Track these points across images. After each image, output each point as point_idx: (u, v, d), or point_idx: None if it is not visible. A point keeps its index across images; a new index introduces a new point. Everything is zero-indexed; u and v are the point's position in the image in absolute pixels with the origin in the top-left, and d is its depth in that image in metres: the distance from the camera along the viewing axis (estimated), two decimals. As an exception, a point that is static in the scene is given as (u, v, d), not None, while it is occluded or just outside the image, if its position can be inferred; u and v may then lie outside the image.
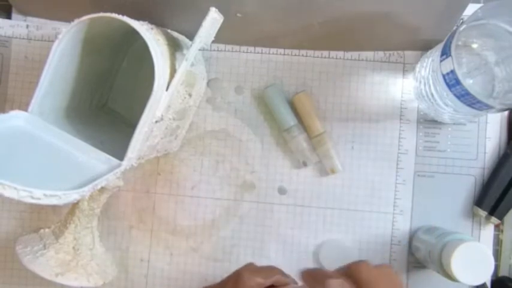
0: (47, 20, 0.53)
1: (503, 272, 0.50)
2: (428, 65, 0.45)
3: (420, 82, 0.47)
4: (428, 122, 0.51)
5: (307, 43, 0.52)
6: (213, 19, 0.40)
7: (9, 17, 0.53)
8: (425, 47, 0.50)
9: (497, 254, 0.50)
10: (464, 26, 0.40)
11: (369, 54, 0.52)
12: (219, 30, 0.42)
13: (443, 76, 0.40)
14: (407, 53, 0.52)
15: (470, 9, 0.49)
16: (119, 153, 0.39)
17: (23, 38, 0.53)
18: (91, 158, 0.40)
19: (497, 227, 0.50)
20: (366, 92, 0.52)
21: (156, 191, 0.53)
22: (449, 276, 0.42)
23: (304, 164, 0.51)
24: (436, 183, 0.51)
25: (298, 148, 0.50)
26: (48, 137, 0.41)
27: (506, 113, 0.51)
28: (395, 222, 0.51)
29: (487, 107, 0.39)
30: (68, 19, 0.39)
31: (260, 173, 0.52)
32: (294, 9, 0.46)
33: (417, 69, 0.49)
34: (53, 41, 0.40)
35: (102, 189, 0.45)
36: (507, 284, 0.49)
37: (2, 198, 0.32)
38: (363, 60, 0.52)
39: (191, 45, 0.40)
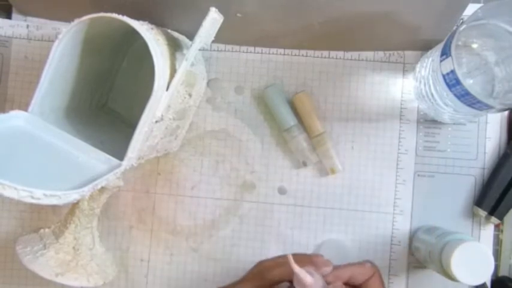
0: (47, 20, 0.53)
1: (503, 272, 0.50)
2: (428, 65, 0.45)
3: (420, 82, 0.47)
4: (428, 122, 0.51)
5: (307, 43, 0.52)
6: (213, 19, 0.40)
7: (9, 17, 0.53)
8: (425, 47, 0.50)
9: (497, 254, 0.50)
10: (464, 26, 0.40)
11: (369, 54, 0.52)
12: (219, 30, 0.42)
13: (443, 76, 0.40)
14: (407, 53, 0.52)
15: (470, 9, 0.49)
16: (119, 153, 0.39)
17: (23, 38, 0.53)
18: (91, 158, 0.40)
19: (497, 227, 0.50)
20: (366, 92, 0.52)
21: (156, 191, 0.53)
22: (449, 276, 0.42)
23: (304, 164, 0.51)
24: (436, 183, 0.51)
25: (298, 148, 0.50)
26: (48, 137, 0.41)
27: (506, 113, 0.51)
28: (395, 222, 0.51)
29: (487, 107, 0.39)
30: (68, 19, 0.39)
31: (260, 173, 0.52)
32: (294, 9, 0.46)
33: (417, 69, 0.49)
34: (53, 41, 0.40)
35: (102, 189, 0.45)
36: (507, 284, 0.49)
37: (2, 198, 0.32)
38: (363, 60, 0.52)
39: (191, 45, 0.40)
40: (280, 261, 0.41)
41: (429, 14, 0.46)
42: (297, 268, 0.37)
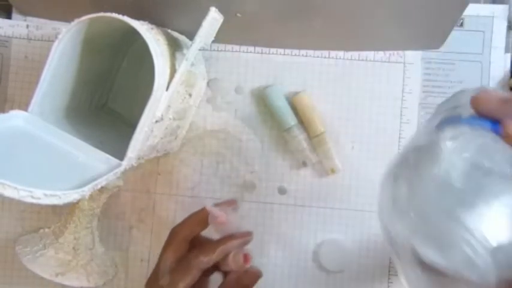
0: (47, 20, 0.53)
1: (503, 272, 0.50)
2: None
3: None
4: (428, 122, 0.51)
5: (307, 43, 0.52)
6: (213, 19, 0.40)
7: (9, 17, 0.54)
8: (425, 47, 0.51)
9: (497, 254, 0.50)
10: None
11: (369, 54, 0.52)
12: (219, 30, 0.42)
13: None
14: (407, 53, 0.52)
15: (471, 9, 0.49)
16: (119, 153, 0.39)
17: (23, 38, 0.53)
18: (91, 158, 0.40)
19: (497, 227, 0.50)
20: (366, 92, 0.52)
21: (156, 191, 0.53)
22: (449, 277, 0.42)
23: (304, 164, 0.51)
24: (436, 183, 0.51)
25: (298, 148, 0.50)
26: (48, 137, 0.41)
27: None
28: (396, 222, 0.51)
29: None
30: (68, 19, 0.39)
31: (260, 173, 0.52)
32: (294, 9, 0.46)
33: None
34: (53, 41, 0.40)
35: (102, 189, 0.45)
36: (507, 284, 0.48)
37: (2, 198, 0.32)
38: (363, 60, 0.52)
39: (191, 45, 0.40)
40: (187, 219, 0.43)
41: (429, 14, 0.46)
42: (209, 207, 0.39)
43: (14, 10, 0.53)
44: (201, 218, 0.42)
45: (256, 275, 0.41)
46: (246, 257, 0.39)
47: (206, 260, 0.39)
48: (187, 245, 0.42)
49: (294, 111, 0.51)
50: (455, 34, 0.50)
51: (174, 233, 0.42)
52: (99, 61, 0.47)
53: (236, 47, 0.53)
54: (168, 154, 0.52)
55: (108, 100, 0.52)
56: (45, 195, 0.33)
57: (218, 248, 0.40)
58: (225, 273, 0.42)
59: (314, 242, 0.51)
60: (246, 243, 0.41)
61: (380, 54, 0.52)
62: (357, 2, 0.45)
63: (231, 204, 0.43)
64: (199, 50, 0.42)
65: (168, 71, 0.40)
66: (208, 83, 0.52)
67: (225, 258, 0.40)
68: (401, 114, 0.52)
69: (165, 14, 0.47)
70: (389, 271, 0.51)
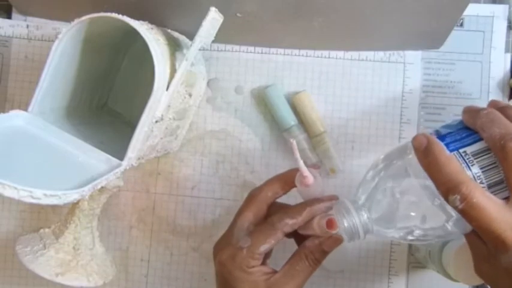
0: (47, 20, 0.53)
1: (503, 272, 0.50)
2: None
3: None
4: (428, 122, 0.51)
5: (307, 43, 0.52)
6: (213, 19, 0.40)
7: (9, 17, 0.54)
8: (425, 47, 0.50)
9: (497, 254, 0.50)
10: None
11: (369, 54, 0.52)
12: (219, 30, 0.42)
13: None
14: (407, 53, 0.52)
15: (471, 9, 0.49)
16: (119, 153, 0.39)
17: (23, 38, 0.53)
18: (91, 158, 0.40)
19: (497, 227, 0.50)
20: (366, 92, 0.52)
21: (156, 191, 0.53)
22: (449, 276, 0.42)
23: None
24: (436, 183, 0.51)
25: (298, 148, 0.50)
26: (48, 137, 0.41)
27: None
28: (396, 222, 0.51)
29: None
30: (68, 19, 0.39)
31: (260, 173, 0.52)
32: (293, 9, 0.46)
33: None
34: (53, 41, 0.40)
35: (102, 189, 0.45)
36: (507, 284, 0.48)
37: (2, 198, 0.32)
38: (363, 60, 0.52)
39: (191, 45, 0.40)
40: (269, 181, 0.41)
41: (429, 14, 0.46)
42: (301, 163, 0.37)
43: (14, 10, 0.53)
44: (286, 179, 0.39)
45: (339, 241, 0.38)
46: (332, 222, 0.36)
47: (292, 222, 0.37)
48: (266, 209, 0.40)
49: (294, 111, 0.51)
50: (455, 34, 0.50)
51: (253, 194, 0.40)
52: (99, 61, 0.47)
53: (236, 47, 0.53)
54: (168, 154, 0.52)
55: (108, 100, 0.52)
56: (45, 195, 0.33)
57: (305, 210, 0.37)
58: (298, 240, 0.41)
59: (314, 242, 0.51)
60: (331, 207, 0.38)
61: (380, 54, 0.52)
62: (357, 2, 0.45)
63: (317, 168, 0.41)
64: (199, 50, 0.42)
65: (168, 71, 0.40)
66: (208, 83, 0.52)
67: (308, 222, 0.38)
68: (401, 114, 0.52)
69: (165, 14, 0.47)
70: (389, 271, 0.51)
